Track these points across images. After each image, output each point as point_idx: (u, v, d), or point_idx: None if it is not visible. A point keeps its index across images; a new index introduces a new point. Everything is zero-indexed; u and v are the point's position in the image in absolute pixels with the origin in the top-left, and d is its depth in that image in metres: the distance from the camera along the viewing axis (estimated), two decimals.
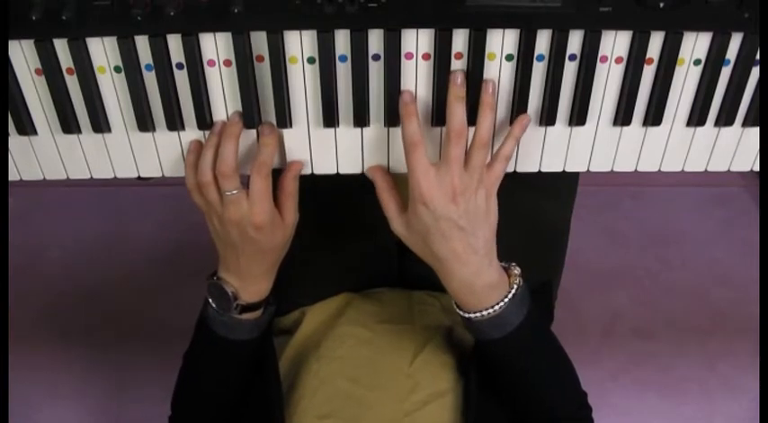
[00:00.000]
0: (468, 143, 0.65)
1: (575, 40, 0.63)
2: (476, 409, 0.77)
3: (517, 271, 0.71)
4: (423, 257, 0.69)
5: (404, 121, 0.64)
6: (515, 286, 0.70)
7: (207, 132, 0.67)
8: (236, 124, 0.65)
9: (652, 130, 0.68)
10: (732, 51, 0.64)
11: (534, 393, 0.76)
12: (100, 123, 0.66)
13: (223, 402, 0.81)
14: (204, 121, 0.66)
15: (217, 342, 0.77)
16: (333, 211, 0.83)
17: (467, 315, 0.70)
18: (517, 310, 0.70)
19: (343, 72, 0.64)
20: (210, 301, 0.75)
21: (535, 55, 0.63)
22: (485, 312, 0.69)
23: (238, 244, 0.69)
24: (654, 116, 0.67)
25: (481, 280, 0.68)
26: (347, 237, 0.89)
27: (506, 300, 0.69)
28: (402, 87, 0.65)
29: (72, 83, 0.64)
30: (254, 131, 0.67)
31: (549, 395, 0.76)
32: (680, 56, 0.64)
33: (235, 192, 0.66)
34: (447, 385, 0.80)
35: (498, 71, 0.64)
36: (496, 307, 0.69)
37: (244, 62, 0.63)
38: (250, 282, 0.74)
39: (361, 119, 0.66)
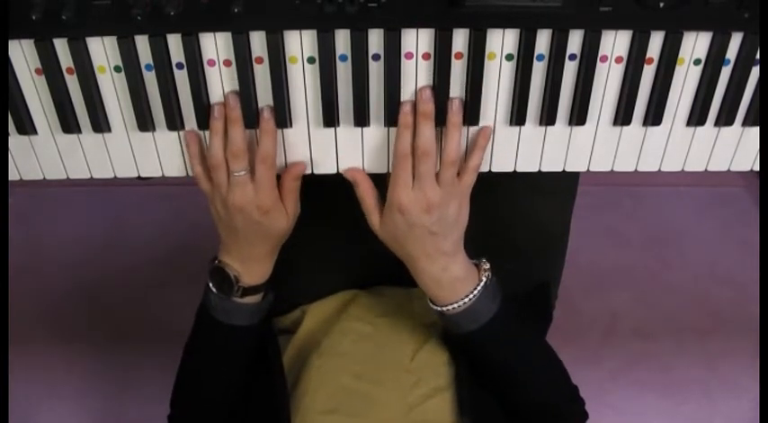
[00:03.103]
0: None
1: (575, 40, 0.63)
2: (470, 403, 0.78)
3: (487, 266, 0.74)
4: (394, 252, 0.72)
5: (399, 131, 0.66)
6: (485, 279, 0.73)
7: (207, 132, 0.67)
8: (237, 108, 0.65)
9: (652, 129, 0.68)
10: (732, 51, 0.64)
11: (519, 387, 0.78)
12: (100, 123, 0.66)
13: (223, 397, 0.81)
14: (204, 121, 0.66)
15: (218, 329, 0.78)
16: (332, 212, 0.84)
17: (440, 309, 0.73)
18: (489, 302, 0.73)
19: (343, 72, 0.64)
20: (211, 285, 0.76)
21: (535, 55, 0.63)
22: (455, 305, 0.72)
23: (241, 228, 0.70)
24: (654, 116, 0.67)
25: (449, 274, 0.71)
26: (347, 236, 0.89)
27: (476, 291, 0.72)
28: (402, 87, 0.65)
29: (72, 83, 0.64)
30: (253, 132, 0.67)
31: (535, 388, 0.78)
32: (680, 56, 0.64)
33: (243, 173, 0.67)
34: (447, 380, 0.81)
35: (498, 71, 0.64)
36: (466, 299, 0.72)
37: (244, 62, 0.63)
38: (251, 264, 0.75)
39: (361, 118, 0.66)
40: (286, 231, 0.74)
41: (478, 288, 0.72)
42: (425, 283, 0.72)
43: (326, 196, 0.81)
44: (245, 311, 0.77)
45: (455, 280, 0.72)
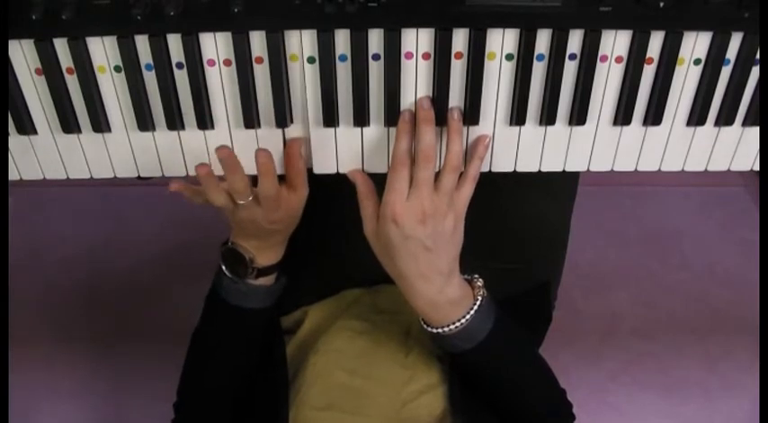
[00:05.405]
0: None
1: (575, 40, 0.63)
2: (462, 399, 0.78)
3: (480, 283, 0.73)
4: (387, 271, 0.71)
5: (398, 137, 0.66)
6: (479, 298, 0.71)
7: (207, 132, 0.67)
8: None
9: (652, 129, 0.68)
10: (732, 51, 0.64)
11: (513, 397, 0.78)
12: (100, 123, 0.66)
13: (228, 385, 0.81)
14: (204, 120, 0.66)
15: (230, 313, 0.79)
16: (333, 212, 0.84)
17: (435, 331, 0.72)
18: (484, 321, 0.72)
19: (343, 72, 0.64)
20: (224, 268, 0.77)
21: (535, 55, 0.63)
22: (452, 326, 0.71)
23: (253, 232, 0.74)
24: (654, 116, 0.67)
25: (444, 296, 0.70)
26: (348, 236, 0.89)
27: (472, 312, 0.71)
28: (402, 87, 0.65)
29: (72, 83, 0.64)
30: (253, 131, 0.67)
31: (528, 397, 0.78)
32: (680, 55, 0.64)
33: (249, 199, 0.69)
34: (441, 376, 0.81)
35: (498, 71, 0.64)
36: (463, 320, 0.71)
37: (244, 62, 0.63)
38: (264, 249, 0.77)
39: (361, 118, 0.66)
40: (297, 219, 0.75)
41: (474, 308, 0.71)
42: (420, 305, 0.71)
43: (328, 196, 0.81)
44: (259, 294, 0.79)
45: (451, 302, 0.70)
